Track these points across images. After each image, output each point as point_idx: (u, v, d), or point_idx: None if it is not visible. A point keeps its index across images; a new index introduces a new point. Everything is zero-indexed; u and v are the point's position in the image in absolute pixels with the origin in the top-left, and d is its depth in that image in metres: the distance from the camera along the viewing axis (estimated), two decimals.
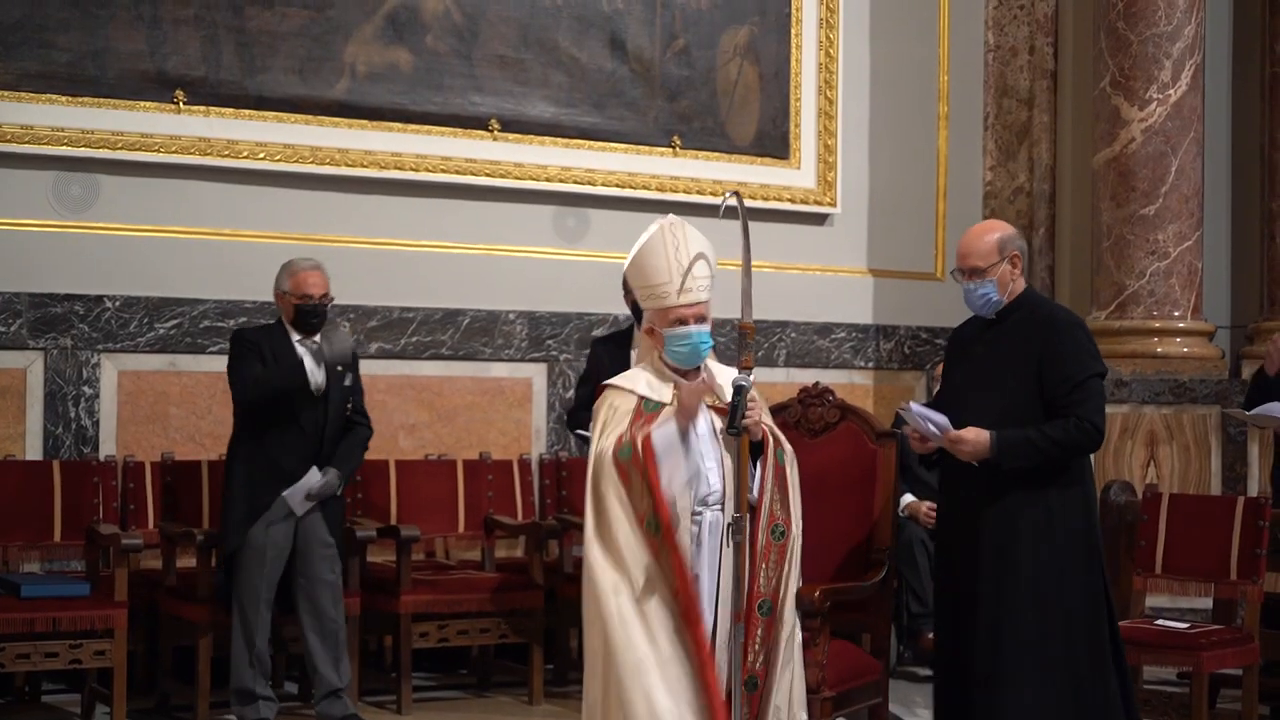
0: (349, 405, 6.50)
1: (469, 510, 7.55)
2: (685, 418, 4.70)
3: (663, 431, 4.66)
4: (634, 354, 4.72)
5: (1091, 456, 5.29)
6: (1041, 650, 5.02)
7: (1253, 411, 7.22)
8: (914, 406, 5.19)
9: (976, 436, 5.02)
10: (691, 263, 4.75)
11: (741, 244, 4.77)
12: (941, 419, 5.10)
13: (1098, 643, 5.11)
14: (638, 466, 4.60)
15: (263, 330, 6.52)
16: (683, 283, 4.74)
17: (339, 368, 6.42)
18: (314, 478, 6.33)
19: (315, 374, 6.35)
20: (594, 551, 4.64)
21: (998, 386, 5.14)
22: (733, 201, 4.84)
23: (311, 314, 6.38)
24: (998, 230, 5.25)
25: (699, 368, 4.83)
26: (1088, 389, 5.07)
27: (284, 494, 6.29)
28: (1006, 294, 5.20)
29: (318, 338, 6.42)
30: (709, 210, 8.23)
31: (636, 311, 5.47)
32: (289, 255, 7.36)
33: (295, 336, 6.40)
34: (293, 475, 6.32)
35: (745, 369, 4.69)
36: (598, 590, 4.60)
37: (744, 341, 4.77)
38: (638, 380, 4.84)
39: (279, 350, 6.36)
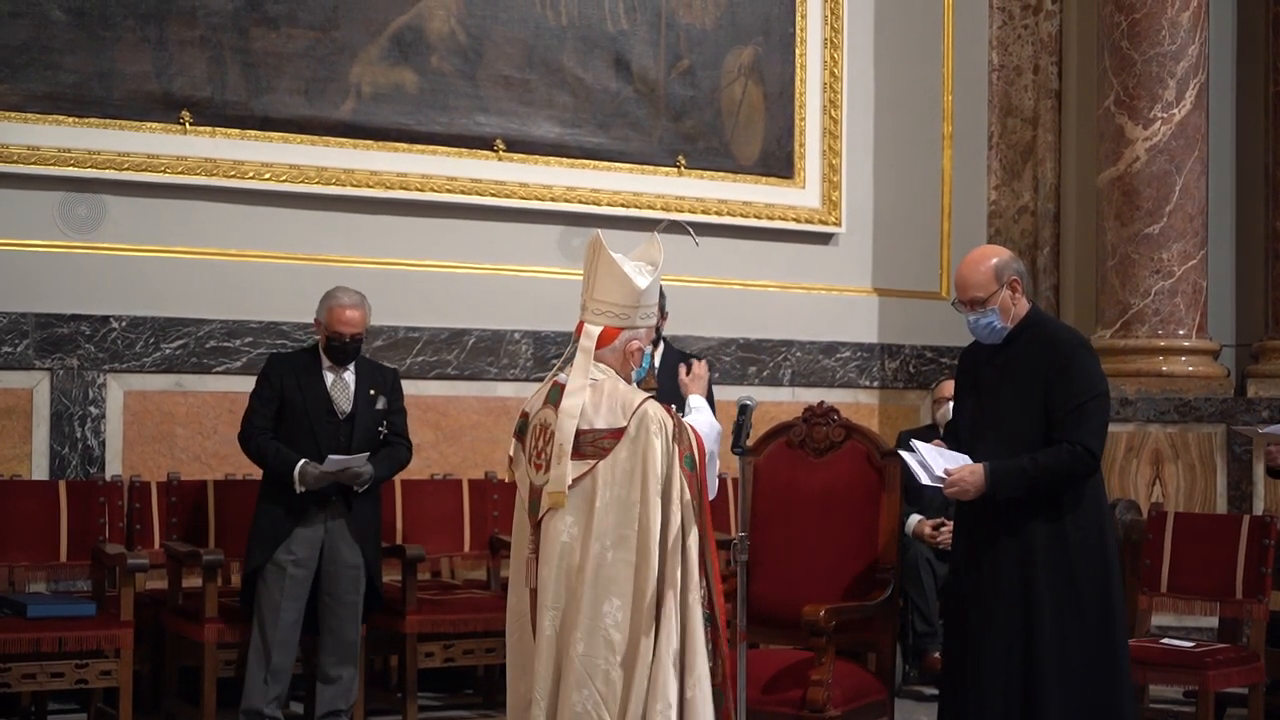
0: (381, 427, 6.52)
1: (474, 530, 7.55)
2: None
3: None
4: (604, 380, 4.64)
5: (1103, 476, 5.29)
6: (1061, 666, 5.02)
7: (1264, 430, 7.21)
8: (906, 456, 5.16)
9: (972, 475, 5.03)
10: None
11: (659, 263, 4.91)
12: (939, 464, 5.09)
13: (1113, 659, 5.11)
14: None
15: (294, 358, 6.54)
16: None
17: (370, 391, 6.46)
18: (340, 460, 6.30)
19: (341, 400, 6.42)
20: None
21: (1009, 416, 5.14)
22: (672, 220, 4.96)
23: (341, 350, 6.43)
24: (993, 257, 5.22)
25: None
26: (1086, 411, 5.06)
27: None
28: (1010, 319, 5.19)
29: (351, 367, 6.48)
30: (714, 230, 8.30)
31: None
32: (295, 275, 7.41)
33: (326, 363, 6.45)
34: (311, 504, 6.32)
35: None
36: None
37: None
38: None
39: (305, 380, 6.40)
